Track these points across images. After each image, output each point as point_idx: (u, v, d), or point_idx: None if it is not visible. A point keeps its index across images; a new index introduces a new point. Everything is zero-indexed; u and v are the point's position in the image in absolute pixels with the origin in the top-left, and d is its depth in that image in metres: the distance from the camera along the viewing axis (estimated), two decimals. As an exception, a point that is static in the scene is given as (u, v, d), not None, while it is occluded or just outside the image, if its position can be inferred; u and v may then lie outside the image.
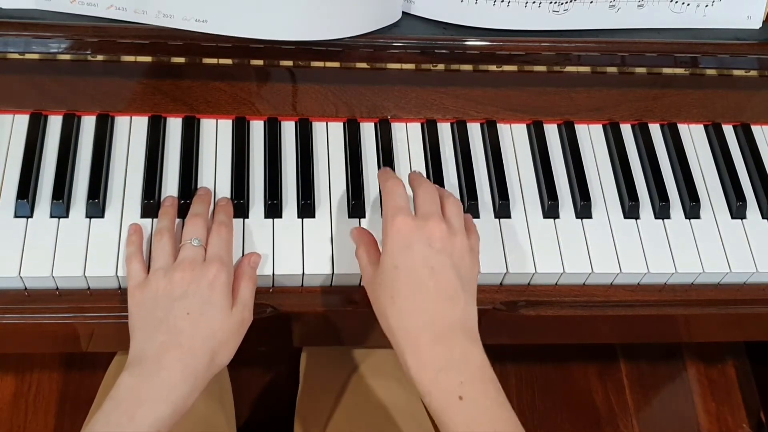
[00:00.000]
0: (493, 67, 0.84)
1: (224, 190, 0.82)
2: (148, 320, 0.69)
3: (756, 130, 0.94)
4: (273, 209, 0.81)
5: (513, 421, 0.64)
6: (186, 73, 0.82)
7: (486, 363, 0.65)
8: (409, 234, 0.67)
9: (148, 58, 0.79)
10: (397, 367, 0.94)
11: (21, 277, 0.74)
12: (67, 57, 0.78)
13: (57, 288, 0.77)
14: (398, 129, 0.89)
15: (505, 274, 0.81)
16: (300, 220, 0.81)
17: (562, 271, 0.81)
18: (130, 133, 0.84)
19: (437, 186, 0.75)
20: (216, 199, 0.81)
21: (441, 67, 0.83)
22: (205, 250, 0.73)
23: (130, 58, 0.80)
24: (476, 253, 0.73)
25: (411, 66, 0.83)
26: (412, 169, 0.86)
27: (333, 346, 0.98)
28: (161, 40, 0.76)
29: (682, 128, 0.93)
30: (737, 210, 0.87)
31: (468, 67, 0.84)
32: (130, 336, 0.70)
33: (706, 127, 0.94)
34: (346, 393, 0.93)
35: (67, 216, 0.78)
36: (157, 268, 0.72)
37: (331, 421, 0.90)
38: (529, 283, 0.83)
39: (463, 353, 0.65)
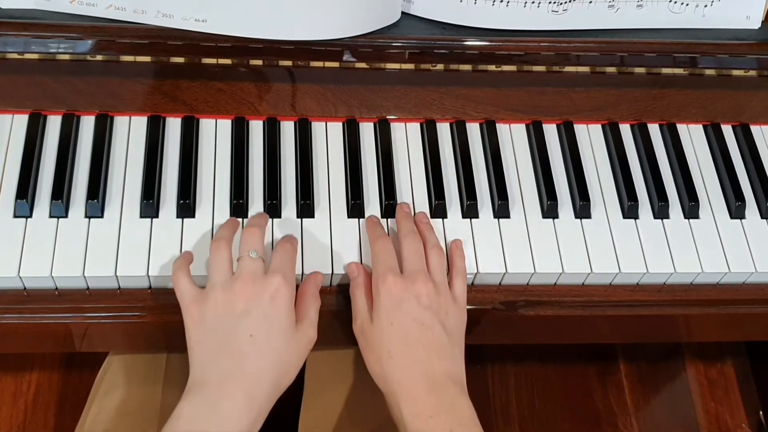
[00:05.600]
0: (492, 67, 0.84)
1: (223, 190, 0.82)
2: (209, 341, 0.68)
3: (755, 130, 0.94)
4: (272, 209, 0.81)
5: None
6: (185, 73, 0.82)
7: (472, 411, 0.71)
8: (400, 294, 0.73)
9: (147, 58, 0.79)
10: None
11: (20, 277, 0.75)
12: (66, 57, 0.79)
13: (56, 288, 0.77)
14: (397, 129, 0.89)
15: (504, 274, 0.81)
16: (299, 219, 0.81)
17: (561, 271, 0.81)
18: (130, 132, 0.84)
19: (421, 232, 0.78)
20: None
21: (440, 67, 0.83)
22: (264, 261, 0.72)
23: (130, 58, 0.80)
24: (460, 301, 0.77)
25: (410, 66, 0.83)
26: (411, 172, 0.86)
27: (333, 346, 0.98)
28: (161, 40, 0.76)
29: (681, 128, 0.93)
30: (736, 210, 0.87)
31: (467, 67, 0.84)
32: (189, 356, 0.68)
33: (705, 127, 0.94)
34: (351, 394, 0.93)
35: (66, 216, 0.78)
36: (215, 282, 0.70)
37: (335, 423, 0.90)
38: (528, 283, 0.83)
39: (452, 402, 0.70)
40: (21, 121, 0.83)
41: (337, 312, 0.81)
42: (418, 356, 0.71)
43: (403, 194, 0.84)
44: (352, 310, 0.76)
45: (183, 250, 0.77)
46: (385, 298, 0.73)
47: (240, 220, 0.80)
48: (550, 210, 0.84)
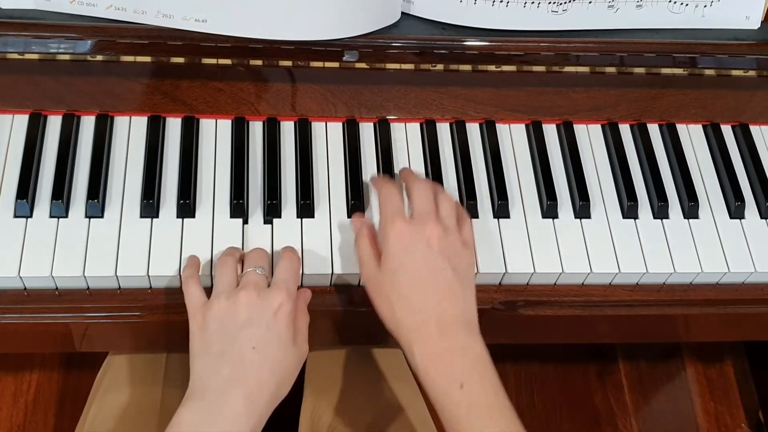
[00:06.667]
0: (492, 68, 0.84)
1: (223, 190, 0.82)
2: (211, 347, 0.68)
3: (754, 130, 0.94)
4: (272, 209, 0.81)
5: (508, 408, 0.68)
6: (185, 73, 0.82)
7: (485, 353, 0.70)
8: (409, 237, 0.72)
9: (147, 58, 0.79)
10: (401, 366, 0.95)
11: (20, 277, 0.75)
12: (66, 57, 0.79)
13: (56, 288, 0.77)
14: (397, 129, 0.89)
15: (504, 273, 0.81)
16: (299, 220, 0.81)
17: (560, 270, 0.81)
18: (130, 133, 0.84)
19: (429, 182, 0.77)
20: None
21: (440, 67, 0.83)
22: (267, 278, 0.72)
23: (130, 58, 0.80)
24: (470, 244, 0.76)
25: (410, 66, 0.83)
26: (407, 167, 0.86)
27: (333, 345, 0.98)
28: (161, 40, 0.76)
29: (681, 128, 0.93)
30: (736, 210, 0.87)
31: (467, 67, 0.84)
32: (191, 360, 0.69)
33: (704, 127, 0.94)
34: (351, 393, 0.93)
35: (66, 216, 0.78)
36: (220, 291, 0.71)
37: (335, 422, 0.91)
38: (527, 283, 0.83)
39: (464, 345, 0.69)
40: (21, 121, 0.83)
41: (336, 312, 0.81)
42: (429, 301, 0.70)
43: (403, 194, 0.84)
44: (358, 259, 0.75)
45: (183, 251, 0.77)
46: (393, 242, 0.72)
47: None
48: (549, 210, 0.85)
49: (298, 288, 0.76)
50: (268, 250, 0.78)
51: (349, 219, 0.82)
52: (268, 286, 0.72)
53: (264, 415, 0.68)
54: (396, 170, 0.86)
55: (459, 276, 0.72)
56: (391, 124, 0.88)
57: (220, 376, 0.66)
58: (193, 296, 0.72)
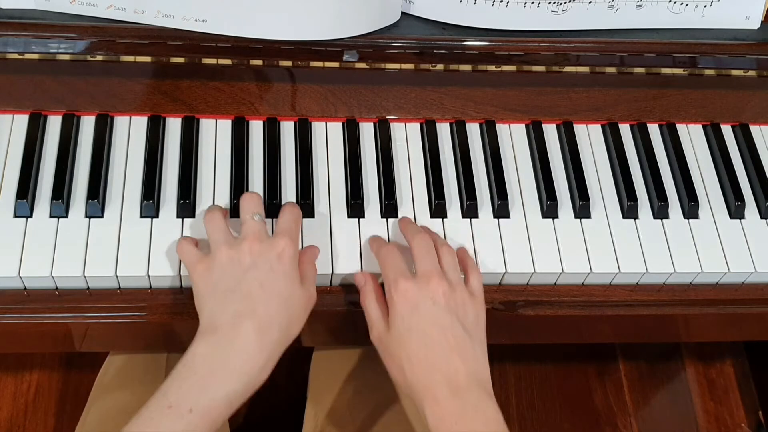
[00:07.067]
0: (492, 67, 0.84)
1: (223, 190, 0.82)
2: (217, 289, 0.68)
3: (754, 130, 0.94)
4: (272, 209, 0.81)
5: None
6: (185, 73, 0.82)
7: (498, 414, 0.69)
8: (415, 296, 0.71)
9: (147, 58, 0.79)
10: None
11: (20, 277, 0.75)
12: (66, 57, 0.79)
13: (56, 288, 0.77)
14: (397, 129, 0.89)
15: (504, 273, 0.81)
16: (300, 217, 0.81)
17: (560, 270, 0.81)
18: (130, 133, 0.84)
19: (428, 234, 0.77)
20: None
21: (440, 67, 0.83)
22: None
23: (130, 58, 0.80)
24: (477, 295, 0.75)
25: (410, 66, 0.83)
26: (411, 171, 0.86)
27: (333, 345, 0.98)
28: (161, 40, 0.76)
29: (681, 128, 0.93)
30: (736, 210, 0.87)
31: (467, 67, 0.84)
32: (198, 307, 0.69)
33: (704, 127, 0.94)
34: (354, 393, 0.93)
35: (66, 216, 0.78)
36: (219, 241, 0.71)
37: (339, 422, 0.91)
38: (527, 283, 0.83)
39: (477, 405, 0.68)
40: (21, 121, 0.83)
41: (337, 312, 0.81)
42: (440, 360, 0.69)
43: (403, 194, 0.84)
44: (366, 320, 0.75)
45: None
46: (400, 305, 0.71)
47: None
48: (549, 210, 0.85)
49: (308, 247, 0.77)
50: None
51: (350, 219, 0.82)
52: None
53: (274, 352, 0.68)
54: (396, 170, 0.86)
55: (468, 331, 0.71)
56: (391, 124, 0.88)
57: (230, 312, 0.67)
58: (190, 252, 0.72)
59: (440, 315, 0.70)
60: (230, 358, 0.65)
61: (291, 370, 1.07)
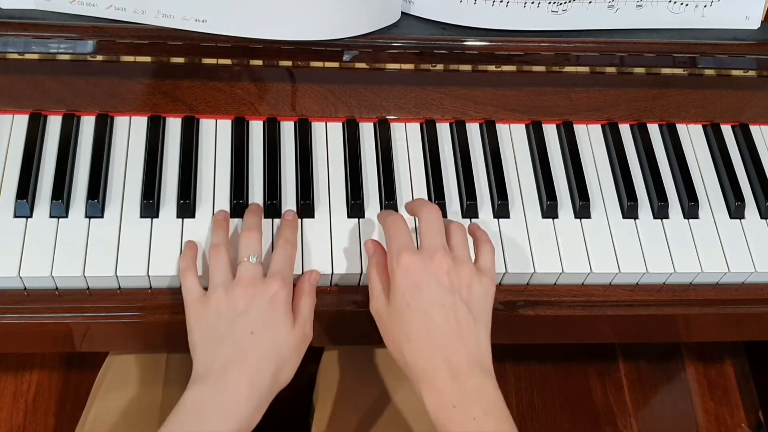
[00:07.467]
0: (492, 68, 0.84)
1: (223, 190, 0.82)
2: (210, 336, 0.69)
3: (754, 130, 0.94)
4: (272, 209, 0.81)
5: None
6: (185, 73, 0.82)
7: (499, 397, 0.67)
8: (417, 272, 0.69)
9: (147, 58, 0.79)
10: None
11: (20, 277, 0.75)
12: (66, 57, 0.79)
13: (56, 288, 0.77)
14: (397, 129, 0.89)
15: (504, 273, 0.81)
16: (299, 219, 0.81)
17: (560, 270, 0.81)
18: (130, 133, 0.84)
19: (437, 209, 0.75)
20: (283, 212, 0.80)
21: (440, 67, 0.83)
22: (262, 264, 0.73)
23: (130, 58, 0.80)
24: (486, 270, 0.73)
25: (410, 66, 0.83)
26: (411, 171, 0.86)
27: (341, 344, 0.98)
28: (161, 40, 0.76)
29: (681, 128, 0.93)
30: (736, 210, 0.87)
31: (467, 68, 0.84)
32: (192, 352, 0.70)
33: (704, 127, 0.94)
34: (363, 393, 0.93)
35: (66, 216, 0.78)
36: (217, 284, 0.71)
37: (348, 422, 0.90)
38: (527, 283, 0.83)
39: (477, 389, 0.67)
40: (21, 121, 0.83)
41: (337, 312, 0.81)
42: (440, 341, 0.67)
43: (403, 194, 0.84)
44: (369, 290, 0.74)
45: (184, 244, 0.77)
46: (401, 279, 0.69)
47: (227, 212, 0.80)
48: (549, 210, 0.85)
49: (303, 272, 0.76)
50: (266, 241, 0.78)
51: (350, 219, 0.82)
52: (264, 275, 0.72)
53: (264, 398, 0.68)
54: (396, 170, 0.86)
55: (472, 309, 0.69)
56: (391, 124, 0.88)
57: (221, 359, 0.68)
58: (191, 287, 0.73)
59: (443, 295, 0.68)
60: (220, 405, 0.66)
61: (297, 370, 1.08)
